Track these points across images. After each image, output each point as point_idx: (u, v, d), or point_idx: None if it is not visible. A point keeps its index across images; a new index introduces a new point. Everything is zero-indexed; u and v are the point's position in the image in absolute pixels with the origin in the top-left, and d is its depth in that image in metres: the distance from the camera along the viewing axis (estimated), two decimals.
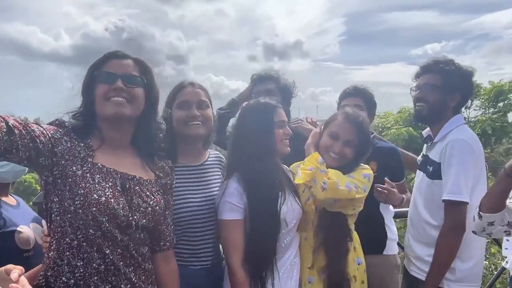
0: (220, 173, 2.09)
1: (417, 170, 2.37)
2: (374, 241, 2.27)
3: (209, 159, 2.07)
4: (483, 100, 15.63)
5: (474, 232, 1.88)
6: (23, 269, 1.03)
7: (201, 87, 1.97)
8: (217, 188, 1.96)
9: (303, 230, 2.01)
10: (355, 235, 2.00)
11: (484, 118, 14.81)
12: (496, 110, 14.81)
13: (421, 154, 2.43)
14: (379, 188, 2.18)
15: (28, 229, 1.84)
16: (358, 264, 1.96)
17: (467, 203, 1.98)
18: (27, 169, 1.88)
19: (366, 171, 1.97)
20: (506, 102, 14.76)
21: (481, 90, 16.32)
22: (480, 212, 1.77)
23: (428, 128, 2.35)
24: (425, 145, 2.37)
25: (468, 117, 17.20)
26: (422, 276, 2.16)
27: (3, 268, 1.03)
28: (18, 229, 1.78)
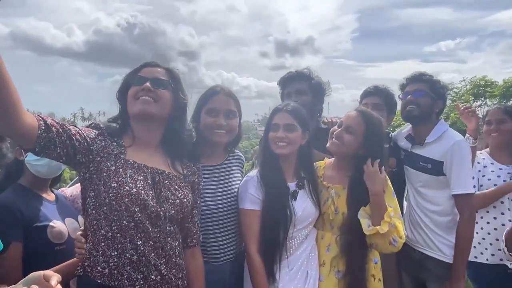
0: (239, 172, 2.17)
1: (404, 166, 2.61)
2: None
3: (228, 159, 2.14)
4: (497, 97, 15.45)
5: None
6: (61, 277, 1.06)
7: (231, 94, 2.02)
8: (235, 186, 2.05)
9: (320, 229, 2.08)
10: None
11: None
12: None
13: (401, 151, 2.65)
14: None
15: (61, 224, 1.94)
16: (375, 263, 2.02)
17: (474, 193, 2.38)
18: (62, 166, 2.00)
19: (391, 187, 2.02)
20: None
21: (495, 88, 16.12)
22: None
23: (407, 129, 2.63)
24: (402, 143, 2.63)
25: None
26: (429, 252, 2.43)
27: (42, 273, 1.06)
28: (51, 223, 1.88)
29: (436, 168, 2.37)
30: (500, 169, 2.77)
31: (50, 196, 2.06)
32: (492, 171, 2.77)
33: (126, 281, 1.45)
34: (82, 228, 1.73)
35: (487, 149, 2.96)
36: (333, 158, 2.16)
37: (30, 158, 1.93)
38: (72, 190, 2.27)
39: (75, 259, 1.72)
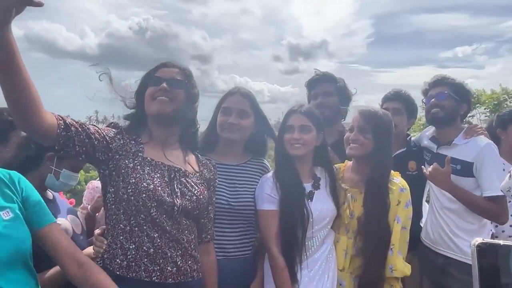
0: (259, 177, 2.14)
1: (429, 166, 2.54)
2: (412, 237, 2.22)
3: (247, 162, 2.16)
4: (485, 107, 15.98)
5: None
6: None
7: (247, 96, 2.08)
8: (249, 189, 2.07)
9: (336, 232, 2.08)
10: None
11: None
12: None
13: (425, 152, 2.66)
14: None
15: (66, 221, 1.94)
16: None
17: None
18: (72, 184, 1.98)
19: (400, 185, 1.98)
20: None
21: (484, 98, 16.63)
22: None
23: (430, 131, 2.65)
24: (426, 143, 2.63)
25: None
26: (452, 255, 2.37)
27: None
28: (56, 221, 1.90)
29: (465, 169, 2.34)
30: None
31: (48, 195, 2.06)
32: None
33: (143, 273, 1.50)
34: (102, 227, 1.76)
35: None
36: (352, 161, 2.16)
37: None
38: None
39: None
